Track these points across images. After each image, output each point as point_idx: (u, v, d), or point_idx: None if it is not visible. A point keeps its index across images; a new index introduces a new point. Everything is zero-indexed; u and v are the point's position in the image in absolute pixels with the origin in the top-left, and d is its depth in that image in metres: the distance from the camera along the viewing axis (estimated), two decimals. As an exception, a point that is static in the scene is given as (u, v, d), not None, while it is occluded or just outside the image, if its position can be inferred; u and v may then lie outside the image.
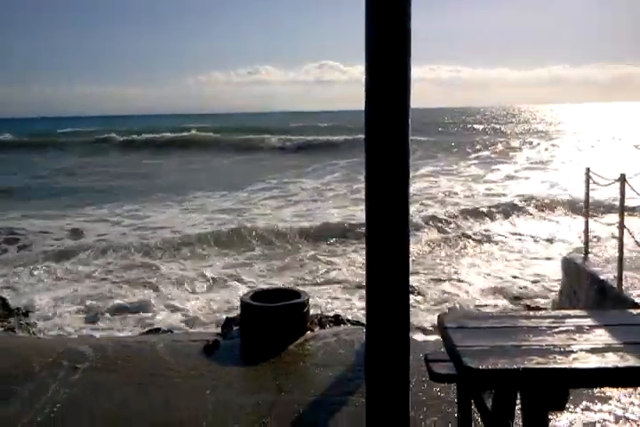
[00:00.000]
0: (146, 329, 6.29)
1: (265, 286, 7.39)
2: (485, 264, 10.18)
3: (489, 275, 9.45)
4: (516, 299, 8.06)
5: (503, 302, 8.04)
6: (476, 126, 59.53)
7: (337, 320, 4.83)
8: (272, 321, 4.36)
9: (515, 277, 9.30)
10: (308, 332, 4.53)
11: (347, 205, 15.99)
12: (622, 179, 5.97)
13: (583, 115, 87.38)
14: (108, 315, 7.56)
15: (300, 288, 5.51)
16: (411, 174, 2.69)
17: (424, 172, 23.07)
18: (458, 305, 7.02)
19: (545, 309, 7.27)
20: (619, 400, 3.40)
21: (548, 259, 10.20)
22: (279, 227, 12.80)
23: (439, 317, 2.65)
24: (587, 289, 6.10)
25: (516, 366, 2.03)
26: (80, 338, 6.05)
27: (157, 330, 5.90)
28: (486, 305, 7.92)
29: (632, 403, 3.39)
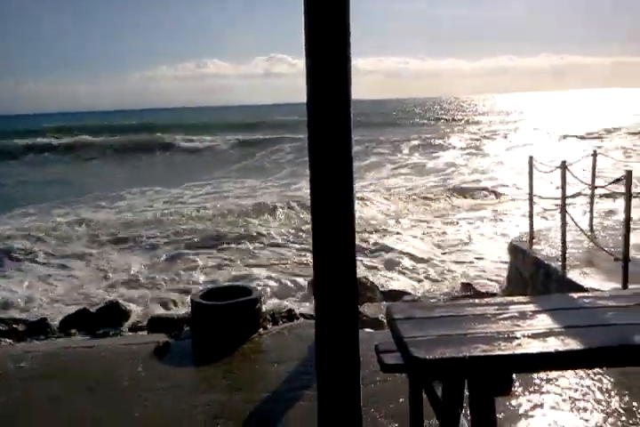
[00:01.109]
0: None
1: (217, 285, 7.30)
2: (439, 250, 10.37)
3: (443, 261, 9.63)
4: (466, 285, 8.22)
5: (456, 288, 8.20)
6: (419, 118, 60.33)
7: (290, 315, 4.81)
8: (223, 320, 4.30)
9: (464, 262, 9.51)
10: (261, 329, 4.49)
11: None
12: (563, 166, 6.16)
13: (524, 103, 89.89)
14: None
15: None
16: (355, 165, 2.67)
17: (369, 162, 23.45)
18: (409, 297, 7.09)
19: (495, 294, 7.44)
20: (561, 382, 3.51)
21: (496, 243, 10.46)
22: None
23: (387, 308, 2.65)
24: (532, 273, 6.27)
25: (461, 355, 2.05)
26: (21, 345, 5.83)
27: (106, 334, 5.76)
28: (439, 292, 8.06)
29: (575, 384, 3.50)
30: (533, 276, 6.23)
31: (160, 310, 7.42)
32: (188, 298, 5.12)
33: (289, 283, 8.56)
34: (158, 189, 18.98)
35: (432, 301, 7.32)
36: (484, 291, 7.66)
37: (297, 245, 11.02)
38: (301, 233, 11.82)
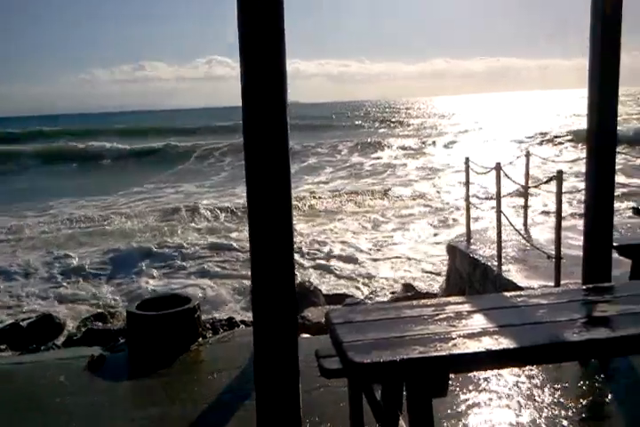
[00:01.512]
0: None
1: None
2: (380, 252, 10.47)
3: (384, 262, 9.73)
4: (407, 285, 8.33)
5: (397, 289, 8.30)
6: (360, 121, 61.00)
7: (230, 323, 4.73)
8: (160, 330, 4.17)
9: (405, 263, 9.64)
10: (201, 338, 4.38)
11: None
12: (498, 167, 6.32)
13: (460, 106, 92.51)
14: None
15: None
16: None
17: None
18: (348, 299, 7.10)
19: (435, 294, 7.57)
20: (498, 380, 3.58)
21: (437, 244, 10.66)
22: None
23: (327, 313, 2.63)
24: (470, 273, 6.40)
25: (398, 358, 2.05)
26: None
27: (38, 349, 5.50)
28: (381, 293, 8.13)
29: (511, 381, 3.57)
30: (471, 275, 6.37)
31: (97, 322, 7.16)
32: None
33: (230, 290, 8.45)
34: (90, 198, 18.34)
35: (374, 302, 7.36)
36: (424, 291, 7.79)
37: (237, 253, 10.92)
38: (237, 239, 11.73)
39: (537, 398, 3.36)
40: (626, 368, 3.70)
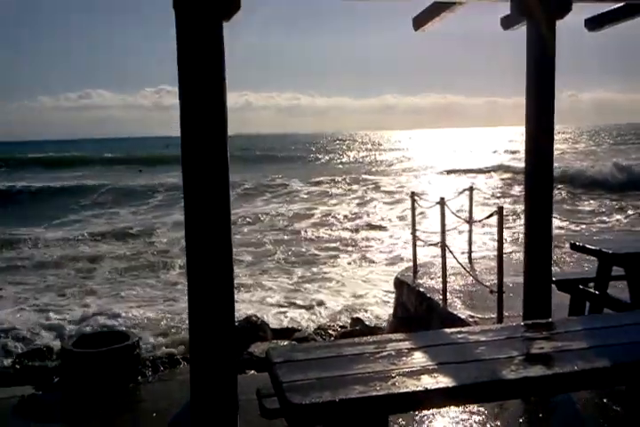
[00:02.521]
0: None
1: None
2: (325, 286, 10.45)
3: (332, 296, 9.70)
4: (356, 320, 8.30)
5: (346, 323, 8.26)
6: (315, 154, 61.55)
7: (171, 360, 4.58)
8: (98, 369, 4.01)
9: (354, 297, 9.64)
10: (140, 377, 4.23)
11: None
12: (442, 202, 6.45)
13: (407, 140, 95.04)
14: None
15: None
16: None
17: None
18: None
19: (381, 328, 7.57)
20: (441, 418, 3.58)
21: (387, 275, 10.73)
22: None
23: (267, 352, 2.59)
24: (416, 307, 6.45)
25: (337, 399, 2.02)
26: None
27: (-36, 389, 5.18)
28: (330, 327, 8.07)
29: (453, 418, 3.57)
30: (417, 309, 6.41)
31: (30, 359, 6.81)
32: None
33: (171, 322, 8.22)
34: (22, 229, 17.57)
35: (323, 338, 7.31)
36: (372, 325, 7.78)
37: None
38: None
39: (479, 435, 3.37)
40: (566, 404, 3.75)
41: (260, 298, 9.63)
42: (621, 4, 4.71)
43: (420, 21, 5.10)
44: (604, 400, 3.69)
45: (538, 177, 4.17)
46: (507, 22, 4.76)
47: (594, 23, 5.24)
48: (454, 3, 4.43)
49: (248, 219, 18.89)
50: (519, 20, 4.35)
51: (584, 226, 14.94)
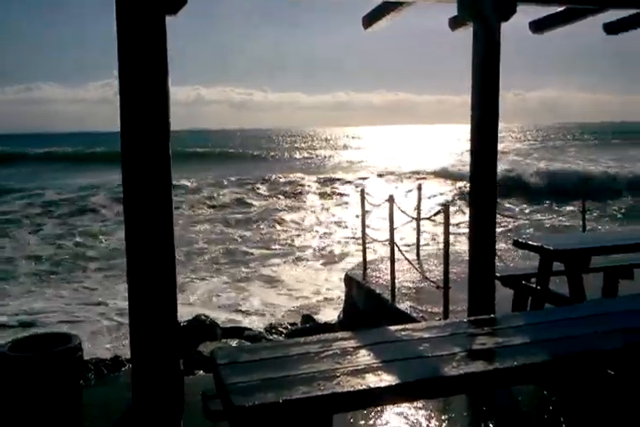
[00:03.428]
0: None
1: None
2: (275, 284, 10.42)
3: (284, 294, 9.68)
4: (307, 316, 8.31)
5: (298, 319, 8.26)
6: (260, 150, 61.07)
7: (116, 363, 4.46)
8: (36, 374, 3.84)
9: (305, 294, 9.65)
10: (82, 381, 4.10)
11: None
12: (391, 199, 6.51)
13: (359, 137, 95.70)
14: None
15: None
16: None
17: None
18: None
19: (334, 325, 7.59)
20: (387, 414, 3.61)
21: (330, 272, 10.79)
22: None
23: (212, 353, 2.55)
24: (366, 304, 6.50)
25: (280, 399, 2.01)
26: None
27: None
28: (280, 325, 8.05)
29: (399, 414, 3.62)
30: (367, 306, 6.46)
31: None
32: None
33: (116, 324, 8.04)
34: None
35: (272, 337, 7.29)
36: (323, 322, 7.79)
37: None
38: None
39: (425, 430, 3.42)
40: (508, 396, 3.85)
41: (208, 297, 9.52)
42: (563, 8, 4.84)
43: (369, 21, 5.12)
44: (544, 392, 3.80)
45: (481, 175, 4.26)
46: (454, 23, 4.83)
47: (537, 26, 5.37)
48: (402, 3, 4.46)
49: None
50: (466, 21, 4.41)
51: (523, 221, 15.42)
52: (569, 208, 17.55)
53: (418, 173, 32.65)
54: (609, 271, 4.78)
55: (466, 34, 4.46)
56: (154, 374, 2.60)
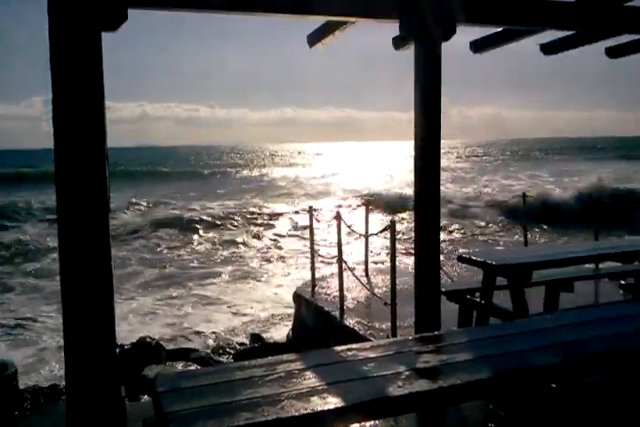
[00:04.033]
0: None
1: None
2: (223, 304, 10.27)
3: (231, 312, 9.53)
4: (255, 336, 8.19)
5: (246, 339, 8.13)
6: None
7: (54, 391, 4.26)
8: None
9: (253, 312, 9.52)
10: (17, 412, 3.90)
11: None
12: (338, 216, 6.52)
13: (304, 154, 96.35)
14: None
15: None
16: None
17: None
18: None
19: (284, 344, 7.51)
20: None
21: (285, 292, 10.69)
22: None
23: (153, 379, 2.46)
24: (315, 322, 6.45)
25: (222, 428, 1.95)
26: None
27: None
28: (228, 346, 7.91)
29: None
30: (316, 324, 6.41)
31: None
32: None
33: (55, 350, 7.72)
34: None
35: (218, 357, 7.14)
36: (272, 341, 7.70)
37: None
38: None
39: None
40: (456, 411, 3.86)
41: (153, 318, 9.28)
42: (501, 29, 5.00)
43: (313, 39, 5.15)
44: (490, 406, 3.84)
45: (425, 191, 4.31)
46: (397, 43, 4.92)
47: (477, 46, 5.52)
48: (346, 22, 4.51)
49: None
50: (408, 40, 4.49)
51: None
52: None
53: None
54: (550, 285, 4.90)
55: (410, 53, 4.54)
56: (91, 401, 2.49)
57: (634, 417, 3.48)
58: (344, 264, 6.23)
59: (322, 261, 8.83)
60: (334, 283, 7.33)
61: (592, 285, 6.79)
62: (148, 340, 6.87)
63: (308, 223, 7.45)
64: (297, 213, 22.43)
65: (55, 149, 2.34)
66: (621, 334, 2.99)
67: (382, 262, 10.64)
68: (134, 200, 26.15)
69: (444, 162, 4.50)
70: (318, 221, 7.37)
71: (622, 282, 5.87)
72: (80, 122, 2.37)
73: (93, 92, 2.39)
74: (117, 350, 6.06)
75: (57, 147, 2.35)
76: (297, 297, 7.18)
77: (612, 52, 5.77)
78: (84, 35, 2.37)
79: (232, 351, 7.66)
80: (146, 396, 5.35)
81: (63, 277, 2.42)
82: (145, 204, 25.93)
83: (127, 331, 8.00)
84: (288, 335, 7.45)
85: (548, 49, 5.71)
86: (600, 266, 6.39)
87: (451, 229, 18.68)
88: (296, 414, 2.05)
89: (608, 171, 32.30)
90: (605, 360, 2.75)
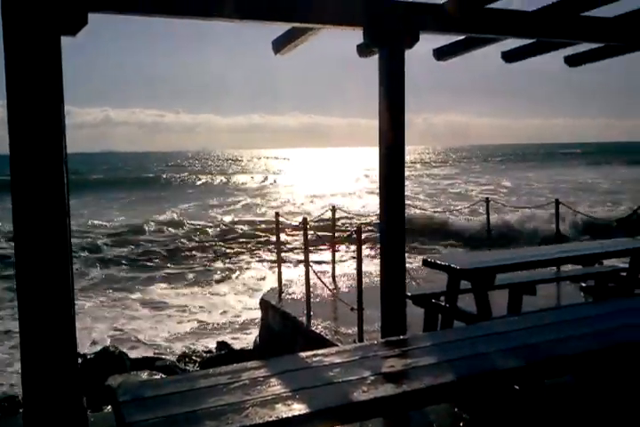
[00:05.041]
0: None
1: None
2: (189, 310, 10.15)
3: (195, 320, 9.43)
4: (222, 343, 8.11)
5: (212, 346, 8.04)
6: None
7: (12, 404, 4.14)
8: None
9: (218, 320, 9.44)
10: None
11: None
12: (304, 222, 6.53)
13: (272, 160, 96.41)
14: None
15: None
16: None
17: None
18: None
19: (251, 350, 7.45)
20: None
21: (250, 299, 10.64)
22: None
23: (114, 389, 2.41)
24: (282, 328, 6.43)
25: (185, 438, 1.92)
26: None
27: None
28: (193, 353, 7.81)
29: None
30: (283, 330, 6.39)
31: None
32: None
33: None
34: None
35: (184, 365, 7.05)
36: (239, 348, 7.64)
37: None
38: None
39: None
40: (422, 414, 3.89)
41: (115, 327, 9.12)
42: (464, 37, 5.09)
43: (278, 46, 5.15)
44: (455, 409, 3.87)
45: (391, 197, 4.34)
46: (361, 50, 4.96)
47: (440, 53, 5.61)
48: (310, 29, 4.53)
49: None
50: (372, 48, 4.53)
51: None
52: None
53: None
54: (513, 288, 4.98)
55: (374, 59, 4.58)
56: (50, 413, 2.43)
57: (594, 418, 3.56)
58: (310, 269, 6.23)
59: (288, 267, 8.80)
60: (301, 289, 7.32)
61: (554, 287, 6.94)
62: (112, 348, 6.74)
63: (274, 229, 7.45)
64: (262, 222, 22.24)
65: (11, 156, 2.28)
66: (583, 335, 3.06)
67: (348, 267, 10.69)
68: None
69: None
70: (282, 225, 7.36)
71: (583, 284, 6.00)
72: (37, 128, 2.32)
73: (52, 96, 2.34)
74: (79, 360, 5.95)
75: (13, 153, 2.29)
76: (264, 303, 7.14)
77: (571, 61, 5.94)
78: (41, 39, 2.32)
79: (198, 359, 7.56)
80: (109, 406, 5.24)
81: (20, 285, 2.36)
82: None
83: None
84: (255, 342, 7.40)
85: (510, 57, 5.84)
86: (561, 269, 6.53)
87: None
88: (260, 421, 2.03)
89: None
90: (568, 362, 2.81)
